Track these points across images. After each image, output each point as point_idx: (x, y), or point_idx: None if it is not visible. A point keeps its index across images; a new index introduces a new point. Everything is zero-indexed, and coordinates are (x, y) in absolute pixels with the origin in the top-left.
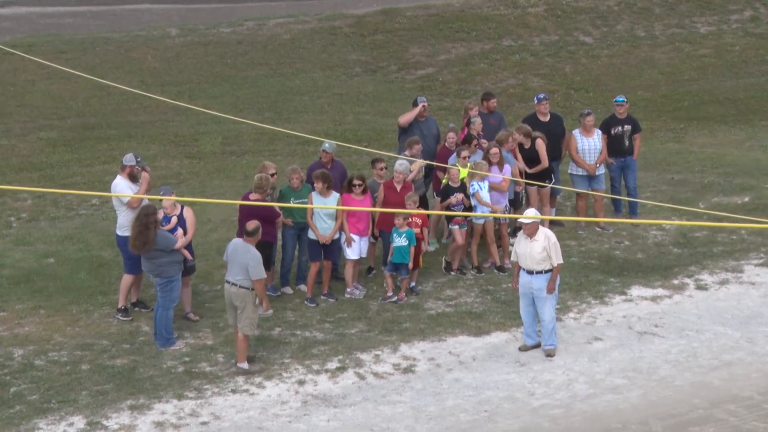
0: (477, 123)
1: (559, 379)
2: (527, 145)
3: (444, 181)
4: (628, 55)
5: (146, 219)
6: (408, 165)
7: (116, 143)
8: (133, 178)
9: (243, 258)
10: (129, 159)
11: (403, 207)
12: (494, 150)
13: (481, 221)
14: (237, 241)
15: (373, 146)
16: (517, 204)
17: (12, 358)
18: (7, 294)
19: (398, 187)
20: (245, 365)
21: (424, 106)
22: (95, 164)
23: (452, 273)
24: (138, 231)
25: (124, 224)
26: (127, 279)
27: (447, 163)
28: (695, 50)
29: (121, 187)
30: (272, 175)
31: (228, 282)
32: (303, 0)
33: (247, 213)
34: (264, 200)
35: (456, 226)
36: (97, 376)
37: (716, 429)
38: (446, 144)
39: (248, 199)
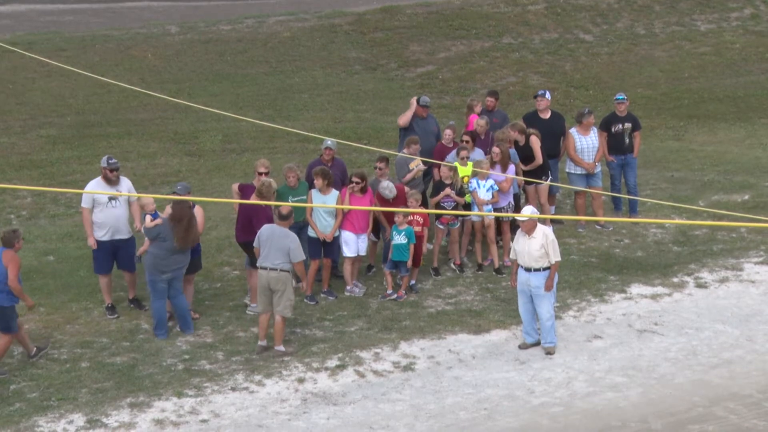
0: (483, 123)
1: (559, 377)
2: (522, 143)
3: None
4: (628, 53)
5: (187, 213)
6: (394, 191)
7: (116, 141)
8: (107, 180)
9: (282, 242)
10: (102, 161)
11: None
12: (495, 149)
13: (478, 219)
14: (271, 227)
15: (373, 144)
16: (516, 202)
17: (12, 355)
18: None
19: (390, 198)
20: (282, 348)
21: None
22: (95, 162)
23: (453, 267)
24: (185, 229)
25: (96, 224)
26: (102, 279)
27: (443, 160)
28: (695, 48)
29: (91, 187)
30: (266, 173)
31: (265, 268)
32: None
33: (244, 211)
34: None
35: (441, 226)
36: (96, 373)
37: (716, 427)
38: (443, 141)
39: (246, 193)
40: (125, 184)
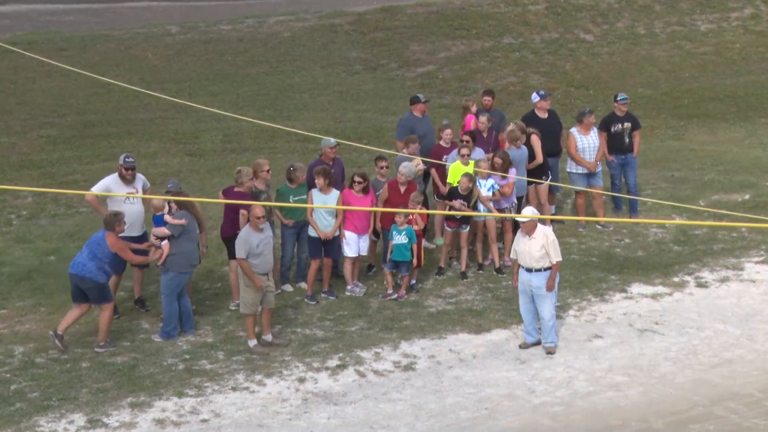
0: (485, 119)
1: (560, 376)
2: (522, 142)
3: (455, 182)
4: (628, 52)
5: (187, 202)
6: (413, 168)
7: (116, 141)
8: (123, 178)
9: None
10: (120, 159)
11: (406, 207)
12: (497, 159)
13: (480, 218)
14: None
15: (373, 144)
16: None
17: (12, 355)
18: (8, 292)
19: (402, 189)
20: (252, 342)
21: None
22: (95, 162)
23: (460, 274)
24: (199, 212)
25: None
26: (112, 279)
27: (441, 161)
28: (695, 48)
29: (108, 182)
30: (266, 171)
31: None
32: None
33: (231, 206)
34: (246, 193)
35: (450, 229)
36: (97, 373)
37: (716, 426)
38: (442, 142)
39: (231, 192)
40: (140, 182)
